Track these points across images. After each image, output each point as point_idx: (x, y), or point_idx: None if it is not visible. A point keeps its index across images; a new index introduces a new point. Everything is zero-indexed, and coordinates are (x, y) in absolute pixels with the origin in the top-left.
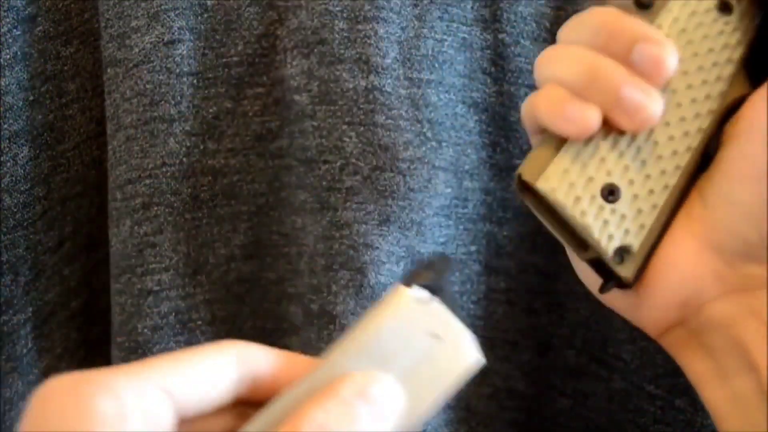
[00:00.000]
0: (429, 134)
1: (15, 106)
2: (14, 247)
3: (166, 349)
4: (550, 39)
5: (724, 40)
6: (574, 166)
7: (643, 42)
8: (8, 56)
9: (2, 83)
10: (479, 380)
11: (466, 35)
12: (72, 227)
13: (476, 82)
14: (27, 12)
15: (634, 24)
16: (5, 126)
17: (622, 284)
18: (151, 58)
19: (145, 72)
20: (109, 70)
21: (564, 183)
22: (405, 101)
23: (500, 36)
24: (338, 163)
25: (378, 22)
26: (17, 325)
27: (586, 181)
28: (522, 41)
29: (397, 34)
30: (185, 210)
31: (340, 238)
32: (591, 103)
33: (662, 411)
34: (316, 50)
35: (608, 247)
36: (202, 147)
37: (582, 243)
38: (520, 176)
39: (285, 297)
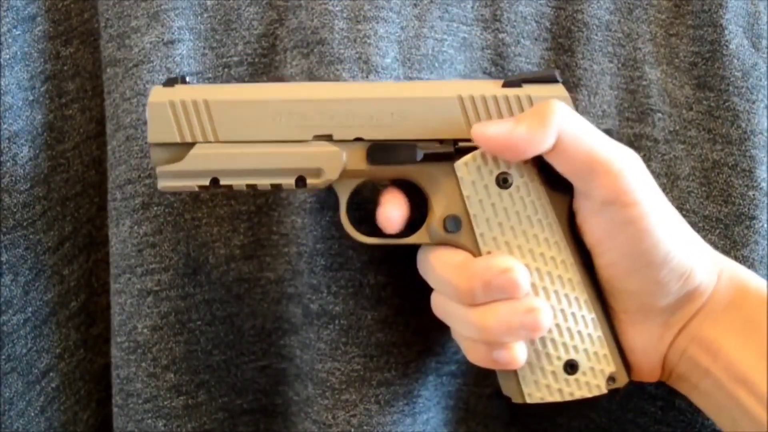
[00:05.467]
0: None
1: (15, 106)
2: (14, 247)
3: (166, 349)
4: (551, 39)
5: (521, 200)
6: (535, 374)
7: (492, 278)
8: (8, 56)
9: (2, 83)
10: (479, 380)
11: (466, 35)
12: (72, 227)
13: None
14: (27, 12)
15: (477, 268)
16: (5, 126)
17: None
18: (151, 58)
19: (144, 72)
20: (108, 70)
21: (543, 389)
22: None
23: (500, 36)
24: None
25: (378, 22)
26: (17, 325)
27: (552, 375)
28: (522, 41)
29: (397, 34)
30: (185, 210)
31: (340, 238)
32: (505, 344)
33: (663, 411)
34: (316, 50)
35: (602, 389)
36: None
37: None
38: (509, 399)
39: (285, 297)
